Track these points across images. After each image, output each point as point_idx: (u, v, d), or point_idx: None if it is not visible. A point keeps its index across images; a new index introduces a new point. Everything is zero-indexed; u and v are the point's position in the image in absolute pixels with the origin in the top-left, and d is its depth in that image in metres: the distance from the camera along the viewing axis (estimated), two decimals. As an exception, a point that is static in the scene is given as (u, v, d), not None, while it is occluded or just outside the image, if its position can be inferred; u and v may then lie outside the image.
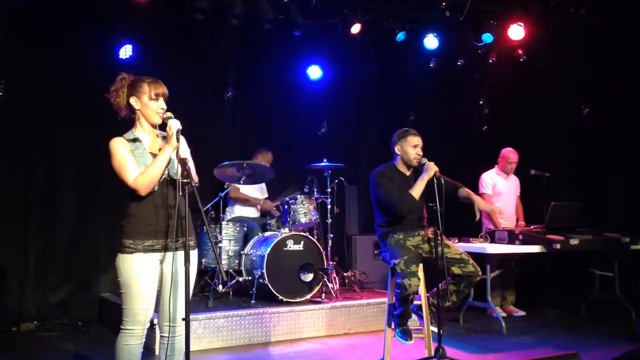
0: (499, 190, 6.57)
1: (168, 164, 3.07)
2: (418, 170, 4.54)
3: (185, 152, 3.10)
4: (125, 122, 3.23)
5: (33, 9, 5.80)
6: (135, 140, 3.13)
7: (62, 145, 6.28)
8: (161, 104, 3.15)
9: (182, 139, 3.11)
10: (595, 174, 7.04)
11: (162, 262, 3.12)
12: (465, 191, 4.62)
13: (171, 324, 3.12)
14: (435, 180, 4.24)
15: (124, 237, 3.05)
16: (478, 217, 4.55)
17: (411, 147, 4.53)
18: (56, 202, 6.24)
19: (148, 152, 3.12)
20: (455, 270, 4.31)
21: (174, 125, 3.03)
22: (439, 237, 4.14)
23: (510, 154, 6.55)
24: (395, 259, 4.29)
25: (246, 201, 6.85)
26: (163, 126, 3.17)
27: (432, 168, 4.35)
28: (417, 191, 4.43)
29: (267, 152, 6.93)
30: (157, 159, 3.03)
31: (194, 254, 3.17)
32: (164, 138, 3.20)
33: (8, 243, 6.00)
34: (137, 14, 6.10)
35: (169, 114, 3.11)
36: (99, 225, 6.36)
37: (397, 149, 4.61)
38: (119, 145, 3.07)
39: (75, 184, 6.34)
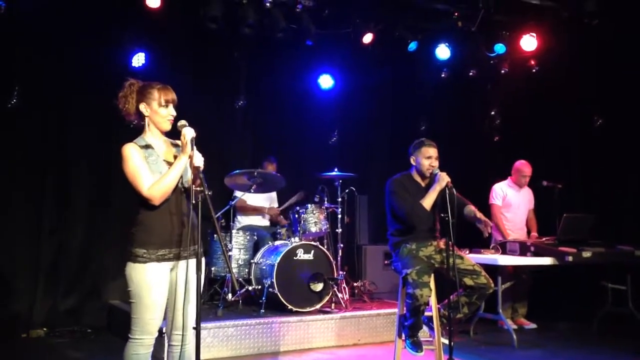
0: (509, 201, 6.53)
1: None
2: (432, 181, 4.52)
3: (199, 161, 3.03)
4: (137, 130, 3.20)
5: (46, 17, 5.85)
6: (147, 147, 3.07)
7: (74, 152, 6.32)
8: (171, 110, 3.11)
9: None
10: (609, 186, 6.97)
11: (172, 270, 3.08)
12: (470, 209, 4.56)
13: (180, 333, 3.09)
14: (447, 191, 4.21)
15: (135, 245, 2.99)
16: (487, 234, 4.52)
17: (424, 157, 4.51)
18: (67, 210, 6.28)
19: (162, 159, 3.07)
20: (468, 281, 4.29)
21: (189, 133, 3.00)
22: (451, 248, 4.11)
23: (524, 167, 6.52)
24: (407, 268, 4.27)
25: (254, 210, 6.85)
26: (173, 133, 3.16)
27: (443, 179, 4.32)
28: (428, 202, 4.41)
29: (273, 162, 6.92)
30: (172, 168, 2.99)
31: (203, 262, 3.14)
32: (176, 146, 3.19)
33: (19, 250, 6.03)
34: (150, 22, 6.13)
35: (184, 122, 3.06)
36: (109, 232, 6.38)
37: (412, 160, 4.61)
38: (132, 152, 3.00)
39: (87, 191, 6.37)
